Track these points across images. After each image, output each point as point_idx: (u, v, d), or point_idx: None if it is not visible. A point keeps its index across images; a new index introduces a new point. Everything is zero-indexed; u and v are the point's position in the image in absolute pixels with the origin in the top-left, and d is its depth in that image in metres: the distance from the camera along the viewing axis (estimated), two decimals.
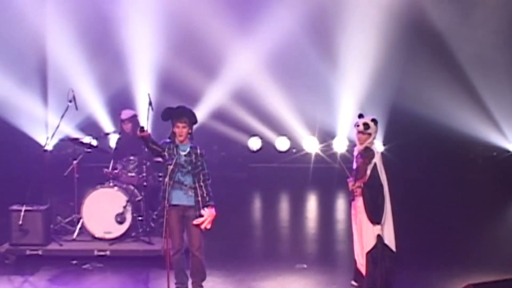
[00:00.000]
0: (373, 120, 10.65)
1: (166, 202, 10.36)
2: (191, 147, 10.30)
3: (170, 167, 10.27)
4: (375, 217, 10.43)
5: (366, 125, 10.57)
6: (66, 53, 17.34)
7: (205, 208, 10.27)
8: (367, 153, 10.49)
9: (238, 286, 11.18)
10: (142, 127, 10.69)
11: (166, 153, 10.31)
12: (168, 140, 10.40)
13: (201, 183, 10.29)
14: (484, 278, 10.32)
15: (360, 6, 17.14)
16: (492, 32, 16.97)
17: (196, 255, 10.41)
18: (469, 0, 17.00)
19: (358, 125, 10.61)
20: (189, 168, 10.26)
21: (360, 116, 10.73)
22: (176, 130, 10.22)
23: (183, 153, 10.29)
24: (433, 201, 15.44)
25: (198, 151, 10.30)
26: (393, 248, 10.54)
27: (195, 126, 10.38)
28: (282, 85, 17.55)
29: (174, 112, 10.40)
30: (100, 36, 17.34)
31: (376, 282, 10.60)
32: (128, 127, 13.72)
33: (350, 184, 10.67)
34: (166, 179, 10.30)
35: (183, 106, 10.63)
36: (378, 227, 10.49)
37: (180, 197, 10.32)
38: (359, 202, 10.61)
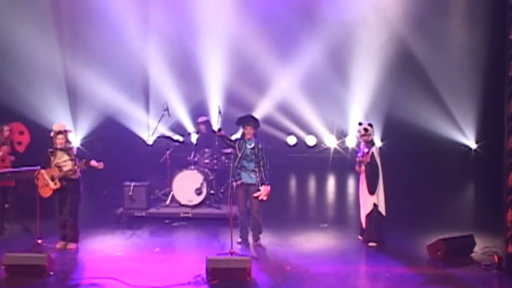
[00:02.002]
0: (370, 125, 10.89)
1: (233, 180, 10.73)
2: (255, 143, 10.67)
3: (239, 156, 10.65)
4: (371, 188, 10.67)
5: (365, 130, 10.78)
6: (162, 77, 17.43)
7: (263, 186, 10.58)
8: (371, 143, 10.75)
9: (279, 239, 11.43)
10: (220, 129, 11.13)
11: (236, 146, 10.69)
12: (239, 137, 10.91)
13: (261, 168, 10.63)
14: (450, 234, 10.56)
15: (365, 43, 17.06)
16: (455, 61, 16.84)
17: (255, 217, 10.82)
18: (439, 39, 16.88)
19: (360, 131, 10.79)
20: (253, 157, 10.63)
21: (360, 124, 10.93)
22: (245, 131, 10.67)
23: (249, 147, 10.66)
24: (415, 180, 15.39)
25: (260, 146, 10.70)
26: (384, 213, 10.73)
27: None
28: (310, 99, 17.48)
29: (244, 119, 10.79)
30: (185, 65, 17.36)
31: (372, 235, 10.81)
32: (202, 128, 13.95)
33: (357, 167, 10.89)
34: (236, 164, 10.66)
35: (251, 115, 11.09)
36: (374, 197, 10.67)
37: (245, 177, 10.71)
38: (362, 177, 10.85)
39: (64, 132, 10.82)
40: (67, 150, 10.86)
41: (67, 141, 10.95)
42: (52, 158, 10.79)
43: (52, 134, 10.82)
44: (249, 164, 10.71)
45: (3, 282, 9.22)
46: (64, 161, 10.76)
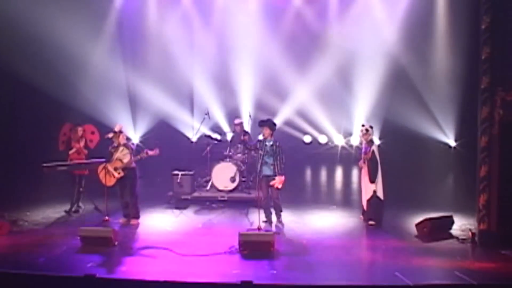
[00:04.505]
0: (370, 126, 10.86)
1: (259, 173, 10.76)
2: (273, 142, 10.69)
3: (262, 153, 10.68)
4: (372, 178, 10.62)
5: (366, 130, 10.76)
6: (204, 88, 17.42)
7: (278, 176, 10.61)
8: (371, 142, 10.72)
9: (297, 218, 11.46)
10: (245, 134, 11.21)
11: (258, 146, 10.72)
12: (260, 138, 10.83)
13: (277, 162, 10.67)
14: (434, 214, 10.55)
15: (367, 61, 16.91)
16: (439, 75, 16.64)
17: (276, 201, 10.89)
18: (426, 57, 16.71)
19: (362, 131, 10.78)
20: (271, 153, 10.68)
21: (363, 125, 10.91)
22: (263, 131, 10.63)
23: (268, 144, 10.71)
24: (407, 172, 15.26)
25: (277, 144, 10.74)
26: (382, 198, 10.70)
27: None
28: (323, 106, 17.36)
29: (262, 121, 10.86)
30: (222, 78, 17.37)
31: (371, 215, 10.80)
32: (237, 128, 13.97)
33: (360, 162, 10.86)
34: (260, 161, 10.69)
35: (269, 119, 11.11)
36: (373, 185, 10.65)
37: (266, 170, 10.77)
38: (364, 169, 10.82)
39: (119, 132, 11.03)
40: (126, 145, 11.06)
41: (127, 138, 11.20)
42: (114, 153, 10.98)
43: (111, 135, 11.02)
44: (269, 159, 10.78)
45: (79, 249, 9.45)
46: (123, 154, 10.96)
